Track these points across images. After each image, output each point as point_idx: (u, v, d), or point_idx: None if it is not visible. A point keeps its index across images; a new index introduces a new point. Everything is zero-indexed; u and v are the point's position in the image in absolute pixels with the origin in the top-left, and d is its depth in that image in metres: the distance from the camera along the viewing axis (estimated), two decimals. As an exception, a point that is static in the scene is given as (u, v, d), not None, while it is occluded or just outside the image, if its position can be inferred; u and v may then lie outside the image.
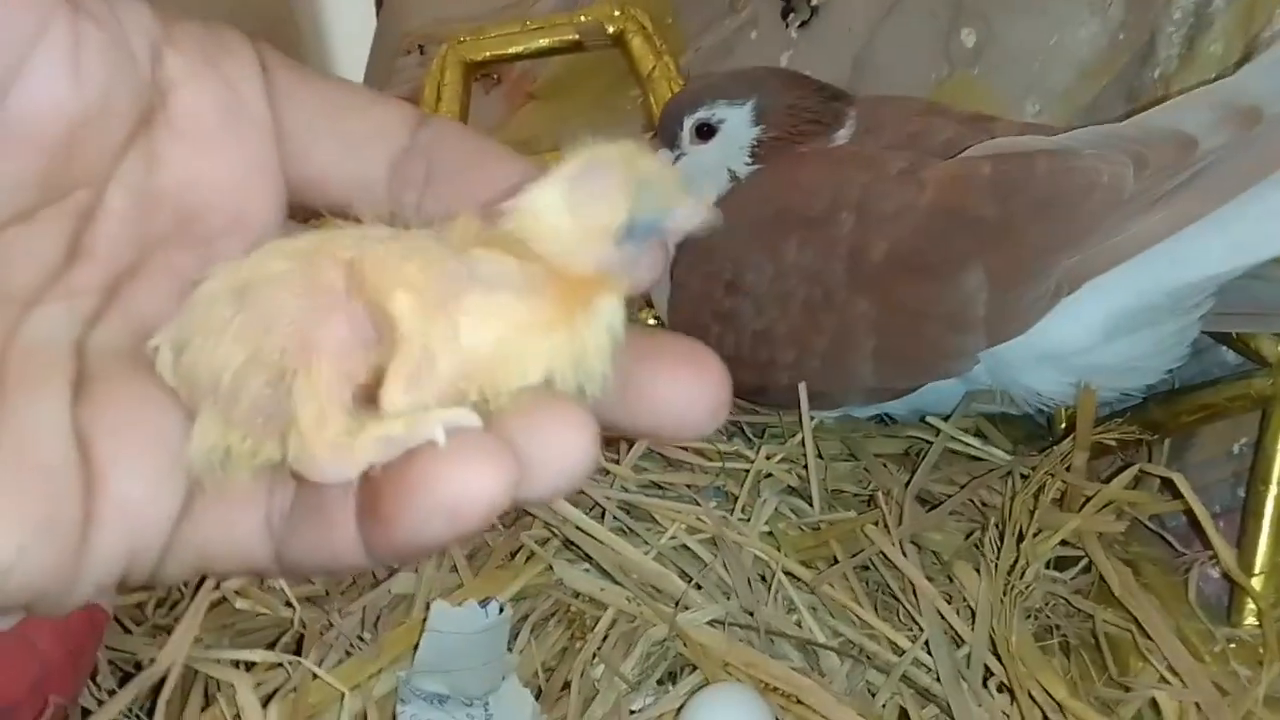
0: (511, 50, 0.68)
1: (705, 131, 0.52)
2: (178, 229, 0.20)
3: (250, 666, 0.37)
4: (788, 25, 0.71)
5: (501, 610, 0.41)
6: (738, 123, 0.51)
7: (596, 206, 0.18)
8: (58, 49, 0.18)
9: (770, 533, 0.47)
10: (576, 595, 0.45)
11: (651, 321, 0.59)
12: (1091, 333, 0.44)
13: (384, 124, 0.21)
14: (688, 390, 0.19)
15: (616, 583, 0.45)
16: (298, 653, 0.38)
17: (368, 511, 0.18)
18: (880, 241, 0.45)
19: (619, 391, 0.19)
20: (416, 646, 0.40)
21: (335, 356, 0.18)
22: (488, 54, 0.67)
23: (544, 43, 0.68)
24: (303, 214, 0.21)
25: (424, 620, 0.40)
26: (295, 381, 0.17)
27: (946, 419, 0.49)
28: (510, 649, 0.43)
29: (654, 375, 0.19)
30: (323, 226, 0.19)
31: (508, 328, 0.18)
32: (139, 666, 0.37)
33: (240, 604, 0.39)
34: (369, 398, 0.18)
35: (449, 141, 0.21)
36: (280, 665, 0.37)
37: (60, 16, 0.18)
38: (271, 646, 0.39)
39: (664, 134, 0.53)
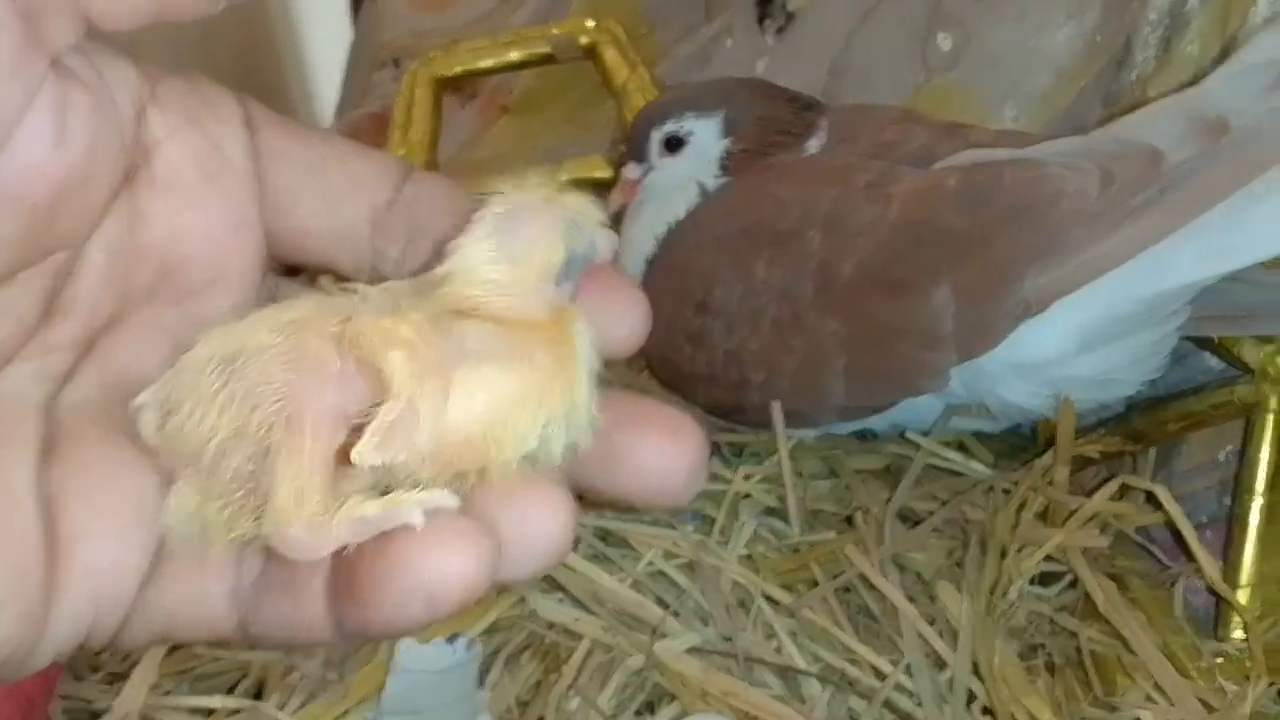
0: (483, 65, 0.67)
1: (674, 144, 0.51)
2: (159, 284, 0.20)
3: (210, 713, 0.36)
4: (763, 32, 0.70)
5: (470, 646, 0.40)
6: (707, 135, 0.51)
7: (533, 250, 0.19)
8: (44, 114, 0.18)
9: (749, 556, 0.46)
10: (550, 626, 0.44)
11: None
12: (1065, 344, 0.43)
13: (367, 178, 0.21)
14: (667, 458, 0.19)
15: (591, 612, 0.44)
16: (259, 697, 0.37)
17: (342, 591, 0.18)
18: (848, 258, 0.44)
19: (599, 459, 0.19)
20: (383, 686, 0.39)
21: (319, 434, 0.18)
22: (458, 69, 0.66)
23: (516, 56, 0.67)
24: (284, 267, 0.21)
25: (390, 659, 0.39)
26: (277, 458, 0.18)
27: (927, 434, 0.48)
28: (482, 685, 0.42)
29: (634, 442, 0.19)
30: (314, 290, 0.19)
31: (498, 401, 0.18)
32: (95, 716, 0.36)
33: (198, 648, 0.38)
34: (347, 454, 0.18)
35: (431, 196, 0.21)
36: (240, 711, 0.37)
37: (47, 83, 0.18)
38: (231, 691, 0.38)
39: (633, 147, 0.52)
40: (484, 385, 0.18)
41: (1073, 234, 0.41)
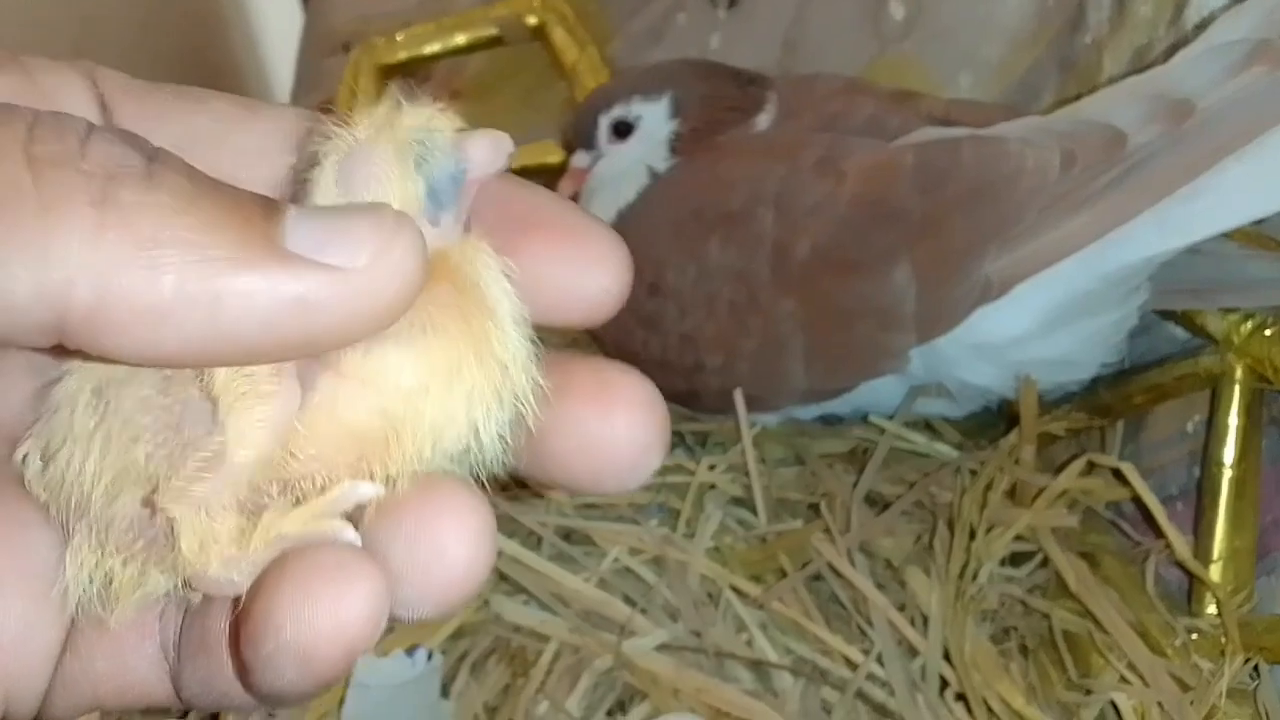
0: (428, 50, 0.66)
1: (622, 129, 0.50)
2: None
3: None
4: (715, 7, 0.68)
5: (430, 657, 0.39)
6: (655, 118, 0.50)
7: (380, 191, 0.15)
8: None
9: (716, 548, 0.45)
10: (516, 629, 0.43)
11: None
12: (1027, 324, 0.42)
13: (260, 145, 0.18)
14: (621, 429, 0.16)
15: (557, 614, 0.43)
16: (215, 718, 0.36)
17: (232, 653, 0.16)
18: (803, 238, 0.43)
19: (534, 435, 0.16)
20: (341, 702, 0.38)
21: (210, 465, 0.15)
22: (403, 55, 0.65)
23: (462, 40, 0.66)
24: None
25: (348, 675, 0.38)
26: (169, 493, 0.15)
27: (891, 418, 0.47)
28: (446, 694, 0.41)
29: (578, 413, 0.16)
30: None
31: (398, 387, 0.15)
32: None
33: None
34: None
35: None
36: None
37: None
38: (183, 717, 0.37)
39: (580, 135, 0.51)
40: (378, 370, 0.15)
41: (1033, 213, 0.40)
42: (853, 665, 0.41)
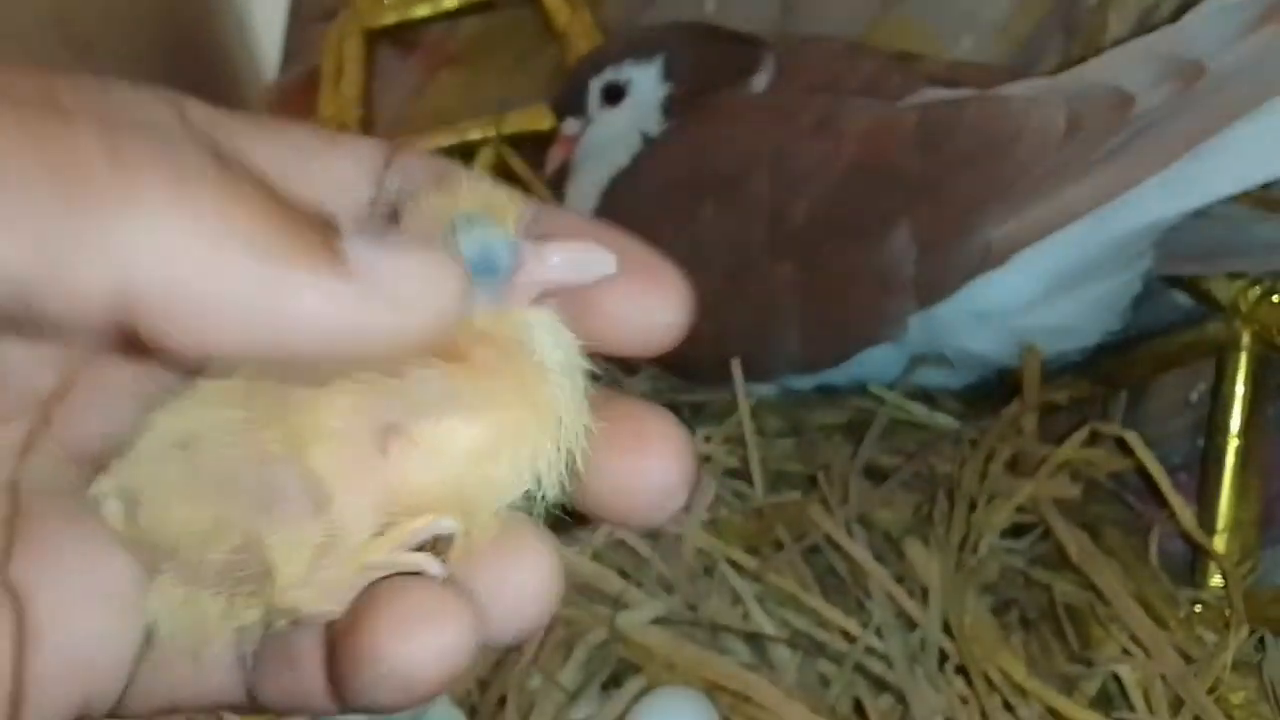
0: (417, 13, 0.64)
1: (614, 94, 0.49)
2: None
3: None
4: (711, -33, 0.67)
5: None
6: (646, 82, 0.48)
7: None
8: None
9: (712, 521, 0.45)
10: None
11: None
12: (1030, 289, 0.41)
13: (338, 177, 0.19)
14: (653, 473, 0.17)
15: (550, 587, 0.43)
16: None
17: (329, 671, 0.17)
18: (800, 201, 0.42)
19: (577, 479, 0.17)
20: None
21: (298, 518, 0.16)
22: (391, 19, 0.63)
23: (451, 3, 0.64)
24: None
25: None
26: (265, 543, 0.16)
27: (891, 388, 0.46)
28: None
29: (616, 458, 0.17)
30: None
31: (465, 454, 0.16)
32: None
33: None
34: None
35: (416, 170, 0.19)
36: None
37: None
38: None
39: (570, 101, 0.50)
40: (448, 439, 0.16)
41: (1037, 174, 0.39)
42: (850, 638, 0.41)
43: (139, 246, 0.14)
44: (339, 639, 0.16)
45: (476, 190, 0.17)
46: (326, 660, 0.17)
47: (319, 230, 0.15)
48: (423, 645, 0.16)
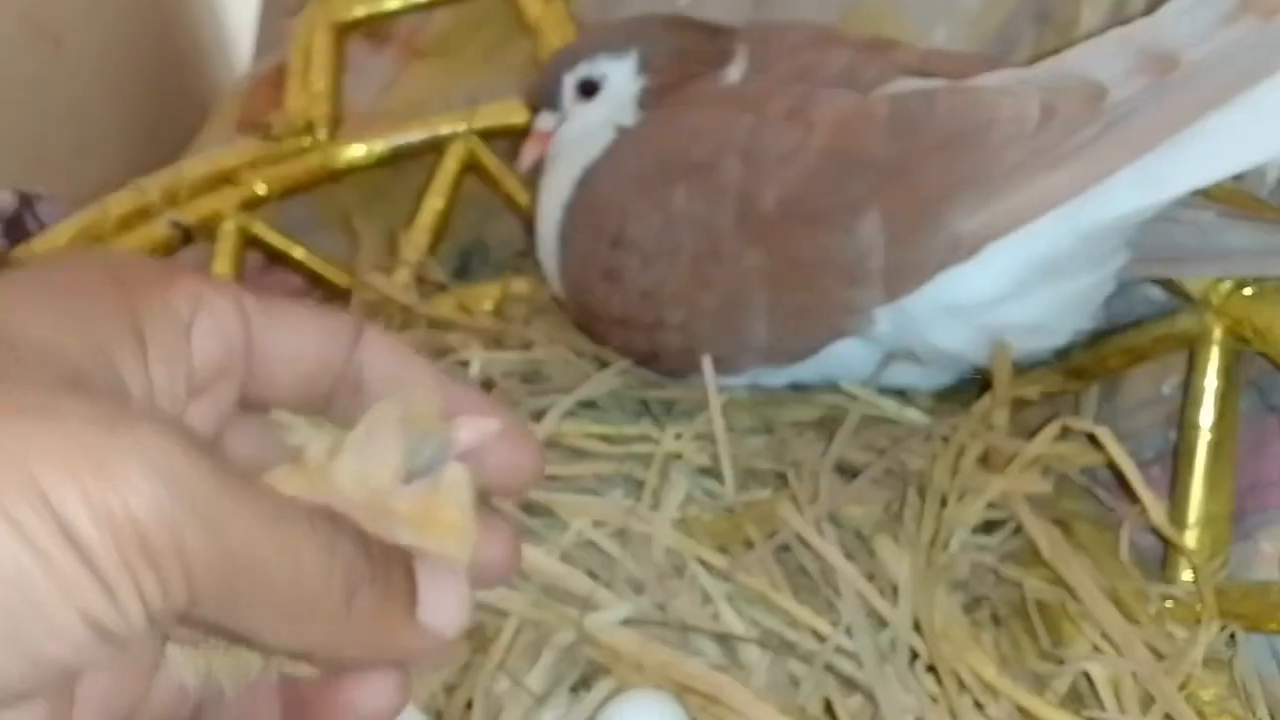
0: (388, 6, 0.63)
1: (588, 89, 0.49)
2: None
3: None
4: (685, -42, 0.66)
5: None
6: (621, 76, 0.48)
7: (377, 470, 0.23)
8: None
9: (682, 520, 0.44)
10: (475, 606, 0.42)
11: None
12: (1000, 285, 0.41)
13: (323, 344, 0.24)
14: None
15: (517, 588, 0.42)
16: None
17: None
18: (770, 188, 0.42)
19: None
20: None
21: None
22: (360, 11, 0.62)
23: (421, -5, 0.63)
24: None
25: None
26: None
27: (863, 386, 0.46)
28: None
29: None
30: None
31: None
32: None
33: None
34: None
35: (380, 362, 0.24)
36: None
37: None
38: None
39: (544, 96, 0.50)
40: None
41: (1009, 164, 0.38)
42: (821, 637, 0.40)
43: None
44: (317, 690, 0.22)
45: (410, 403, 0.23)
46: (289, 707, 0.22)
47: (407, 596, 0.21)
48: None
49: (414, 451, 0.23)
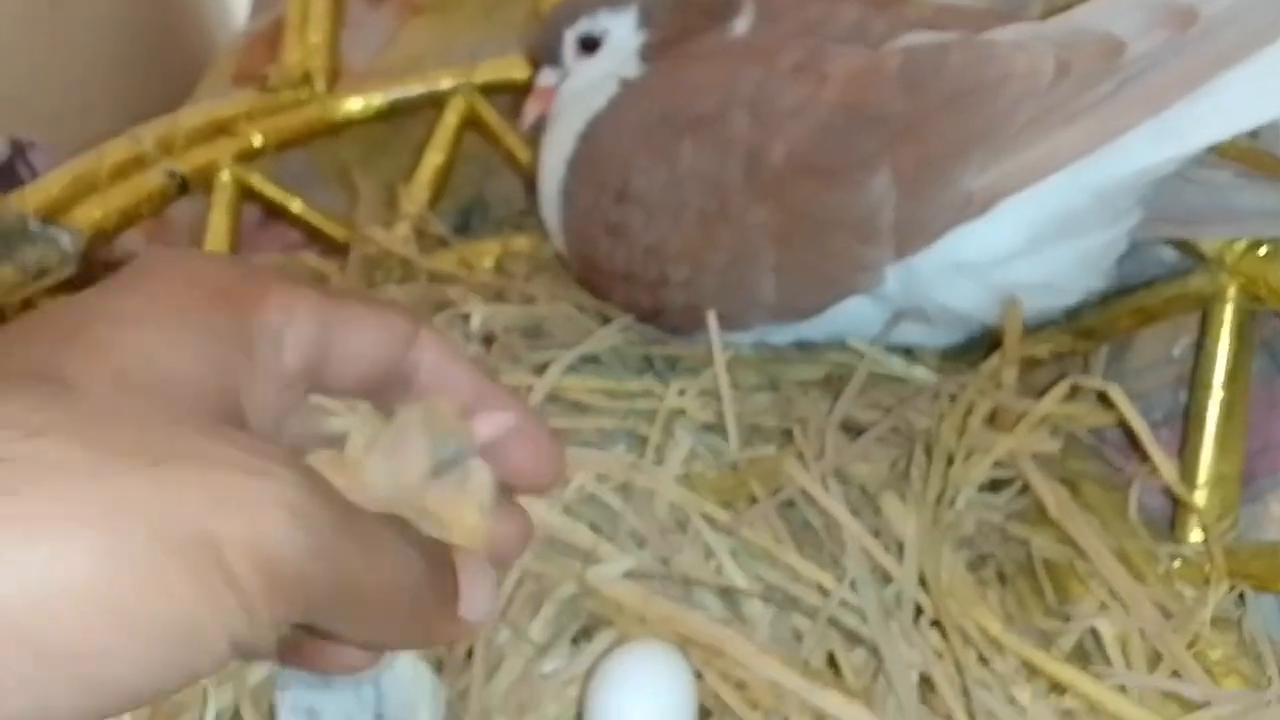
0: (389, -40, 0.62)
1: (589, 44, 0.48)
2: None
3: None
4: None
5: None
6: (623, 30, 0.47)
7: (406, 470, 0.25)
8: None
9: (686, 475, 0.44)
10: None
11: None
12: (1011, 242, 0.40)
13: (381, 341, 0.25)
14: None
15: (519, 540, 0.41)
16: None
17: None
18: (779, 142, 0.41)
19: None
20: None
21: None
22: (361, -34, 0.61)
23: (424, -50, 0.62)
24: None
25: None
26: None
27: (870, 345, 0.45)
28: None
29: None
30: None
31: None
32: None
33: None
34: None
35: (431, 360, 0.26)
36: None
37: None
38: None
39: (545, 52, 0.49)
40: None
41: (1022, 119, 0.37)
42: (825, 592, 0.40)
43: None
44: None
45: (432, 405, 0.25)
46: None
47: (453, 597, 0.23)
48: None
49: (437, 450, 0.25)
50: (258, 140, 0.57)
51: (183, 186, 0.55)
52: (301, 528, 0.20)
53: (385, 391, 0.26)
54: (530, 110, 0.51)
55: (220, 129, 0.57)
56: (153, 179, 0.54)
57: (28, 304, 0.47)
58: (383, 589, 0.22)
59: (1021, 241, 0.41)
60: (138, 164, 0.54)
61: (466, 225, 0.63)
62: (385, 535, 0.22)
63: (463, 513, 0.25)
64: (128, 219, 0.53)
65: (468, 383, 0.26)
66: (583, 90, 0.49)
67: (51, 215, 0.50)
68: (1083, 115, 0.38)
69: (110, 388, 0.20)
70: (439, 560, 0.23)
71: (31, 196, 0.51)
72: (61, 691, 0.18)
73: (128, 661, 0.18)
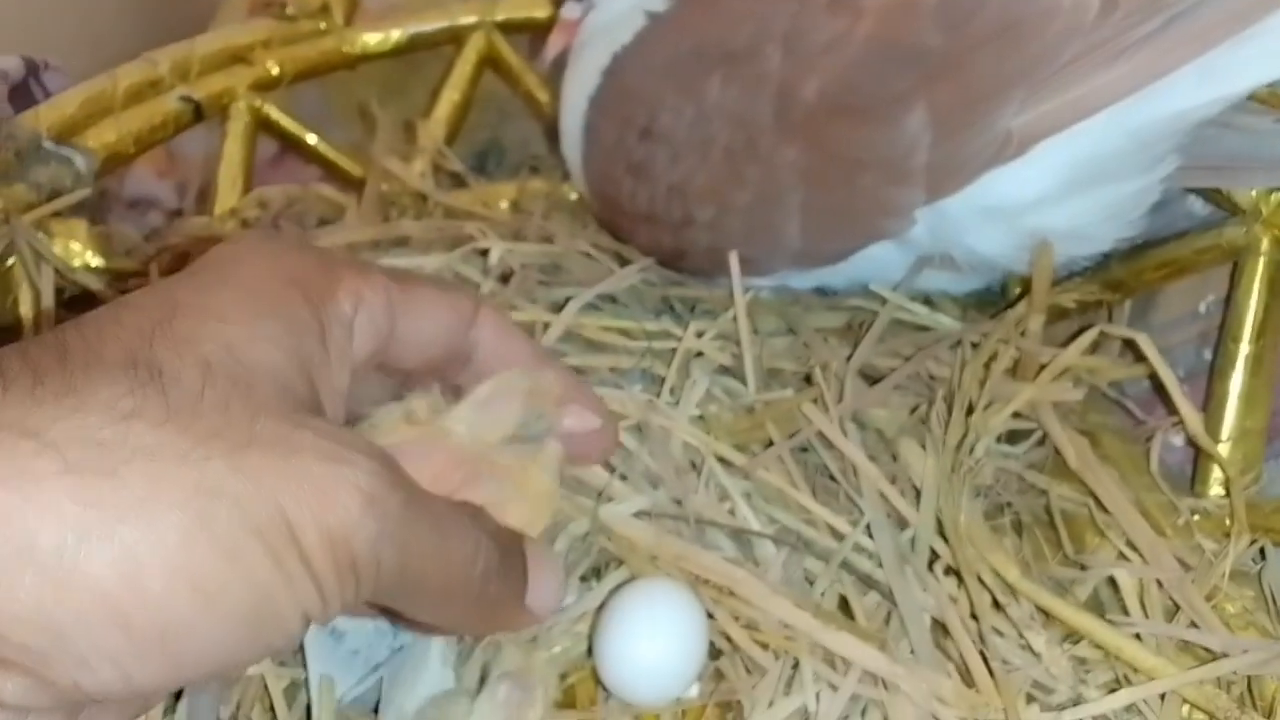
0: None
1: None
2: None
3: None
4: None
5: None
6: None
7: (491, 426, 0.27)
8: None
9: (701, 416, 0.43)
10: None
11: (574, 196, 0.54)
12: (1044, 186, 0.39)
13: (446, 322, 0.27)
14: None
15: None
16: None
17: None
18: (811, 79, 0.40)
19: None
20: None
21: None
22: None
23: (444, -117, 0.61)
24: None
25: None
26: None
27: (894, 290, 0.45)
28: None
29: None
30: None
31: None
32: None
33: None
34: None
35: (491, 339, 0.28)
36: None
37: None
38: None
39: (570, -15, 0.48)
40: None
41: (1066, 57, 0.37)
42: (839, 536, 0.40)
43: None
44: None
45: (538, 380, 0.28)
46: None
47: (522, 593, 0.26)
48: None
49: (526, 423, 0.27)
50: (274, 69, 0.56)
51: (198, 113, 0.54)
52: (374, 513, 0.20)
53: (445, 368, 0.27)
54: (554, 43, 0.50)
55: (237, 56, 0.56)
56: (167, 104, 0.53)
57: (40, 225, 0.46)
58: (453, 575, 0.23)
59: (1056, 185, 0.40)
60: (153, 88, 0.53)
61: (482, 169, 0.62)
62: (459, 522, 0.23)
63: (533, 475, 0.26)
64: (141, 144, 0.52)
65: (525, 359, 0.28)
66: (608, 23, 0.48)
67: (65, 136, 0.50)
68: (1127, 54, 0.36)
69: (198, 377, 0.21)
70: (512, 548, 0.24)
71: (45, 115, 0.50)
72: (145, 663, 0.19)
73: (207, 636, 0.19)
